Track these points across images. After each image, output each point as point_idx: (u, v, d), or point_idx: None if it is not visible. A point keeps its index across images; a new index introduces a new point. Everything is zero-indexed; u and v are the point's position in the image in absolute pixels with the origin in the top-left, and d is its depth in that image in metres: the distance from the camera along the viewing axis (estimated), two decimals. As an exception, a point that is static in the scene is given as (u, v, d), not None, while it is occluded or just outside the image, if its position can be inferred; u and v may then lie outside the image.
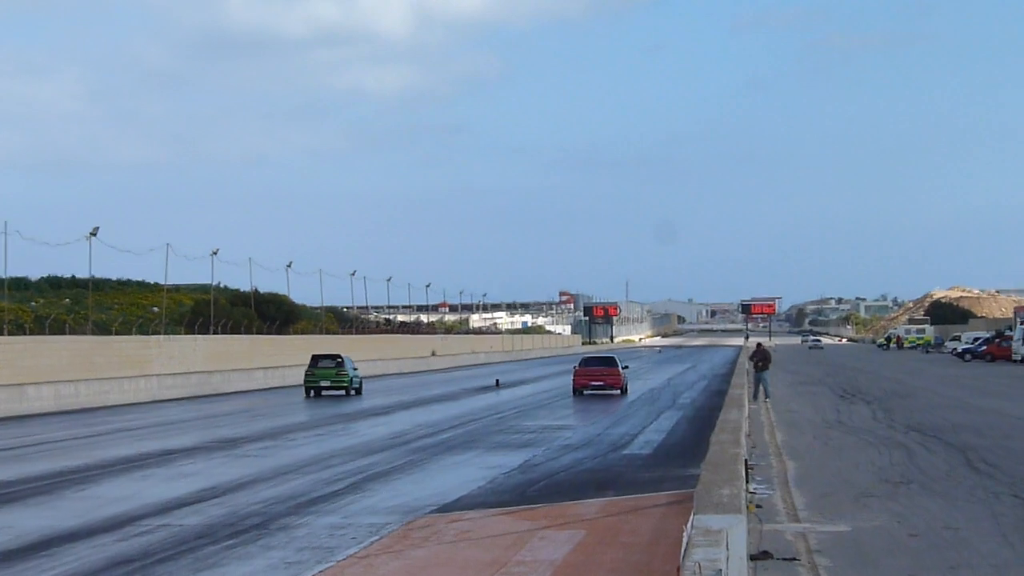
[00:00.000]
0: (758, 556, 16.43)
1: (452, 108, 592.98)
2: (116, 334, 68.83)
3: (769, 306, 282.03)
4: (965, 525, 19.35)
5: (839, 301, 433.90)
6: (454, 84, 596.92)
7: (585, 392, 59.48)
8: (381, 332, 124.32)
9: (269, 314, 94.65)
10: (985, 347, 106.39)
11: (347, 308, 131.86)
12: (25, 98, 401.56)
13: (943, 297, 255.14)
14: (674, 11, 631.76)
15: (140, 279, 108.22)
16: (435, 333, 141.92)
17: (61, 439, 39.22)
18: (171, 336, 72.64)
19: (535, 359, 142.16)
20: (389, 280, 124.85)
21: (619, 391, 59.83)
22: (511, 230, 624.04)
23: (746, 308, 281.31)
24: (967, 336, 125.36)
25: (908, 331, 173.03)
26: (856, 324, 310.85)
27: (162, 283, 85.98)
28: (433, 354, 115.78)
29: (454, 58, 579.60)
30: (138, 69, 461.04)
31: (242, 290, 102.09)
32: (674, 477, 26.26)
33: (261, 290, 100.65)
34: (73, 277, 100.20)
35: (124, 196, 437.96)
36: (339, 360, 63.86)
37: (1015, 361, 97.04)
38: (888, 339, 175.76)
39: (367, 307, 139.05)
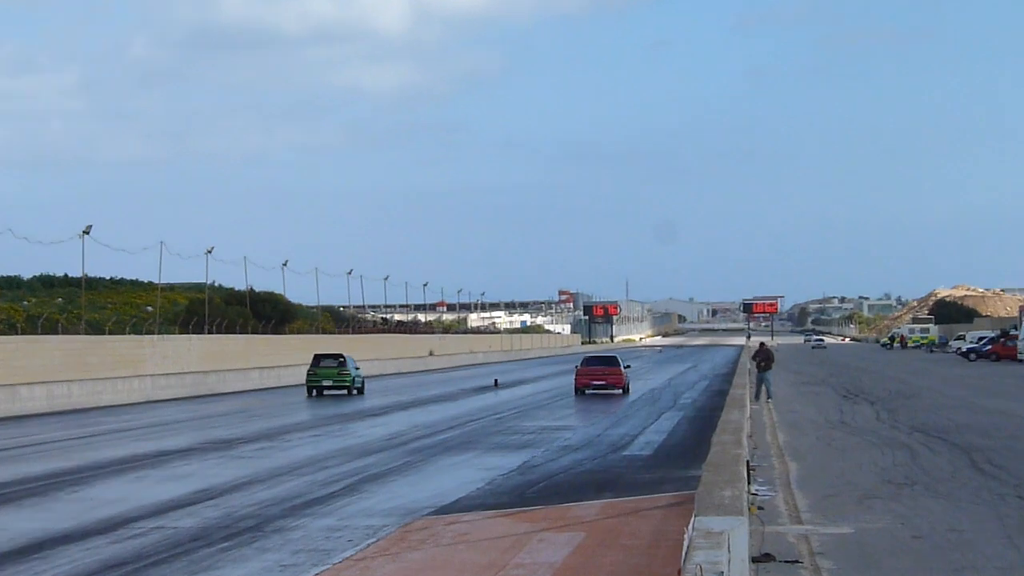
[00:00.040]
0: (760, 558, 16.44)
1: (450, 106, 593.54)
2: (109, 334, 68.83)
3: (771, 305, 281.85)
4: (970, 527, 19.36)
5: (842, 300, 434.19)
6: (452, 81, 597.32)
7: (587, 392, 59.81)
8: (378, 332, 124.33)
9: (264, 313, 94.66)
10: (990, 347, 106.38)
11: (344, 307, 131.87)
12: (17, 94, 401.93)
13: (947, 296, 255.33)
14: (677, 6, 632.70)
15: (134, 278, 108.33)
16: (433, 333, 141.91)
17: (54, 440, 39.21)
18: (165, 336, 72.63)
19: (534, 359, 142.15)
20: (386, 279, 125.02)
21: (621, 390, 60.23)
22: (510, 228, 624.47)
23: (748, 307, 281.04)
24: (972, 335, 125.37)
25: (912, 330, 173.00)
26: (859, 323, 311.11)
27: (156, 282, 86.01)
28: (431, 354, 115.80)
29: (452, 55, 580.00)
30: (132, 65, 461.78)
31: (237, 289, 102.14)
32: (675, 478, 26.26)
33: (256, 289, 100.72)
34: (66, 276, 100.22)
35: (118, 194, 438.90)
36: (341, 360, 64.41)
37: (1020, 361, 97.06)
38: (892, 338, 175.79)
39: (364, 306, 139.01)
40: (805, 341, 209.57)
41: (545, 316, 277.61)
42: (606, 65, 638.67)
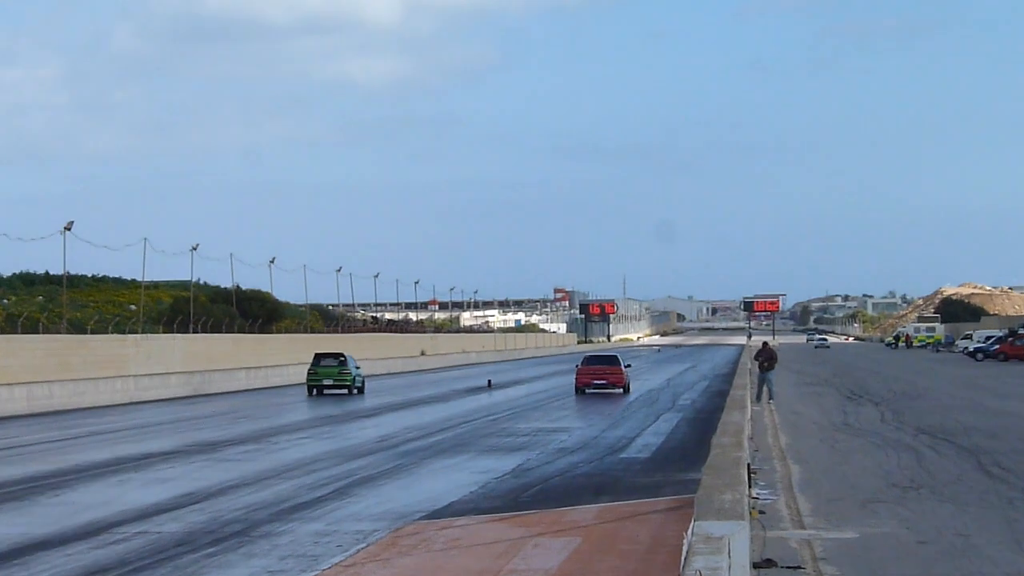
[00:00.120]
0: (761, 564, 16.44)
1: (443, 99, 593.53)
2: (92, 333, 68.79)
3: (773, 303, 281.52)
4: (977, 531, 19.37)
5: (845, 298, 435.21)
6: (445, 74, 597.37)
7: (587, 391, 60.84)
8: (368, 331, 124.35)
9: (251, 312, 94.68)
10: (998, 346, 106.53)
11: (333, 306, 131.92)
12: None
13: (954, 294, 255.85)
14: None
15: (117, 275, 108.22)
16: (424, 332, 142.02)
17: (34, 442, 39.18)
18: (149, 335, 72.62)
19: (529, 359, 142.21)
20: (376, 277, 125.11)
21: (622, 390, 61.42)
22: (504, 224, 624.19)
23: (748, 305, 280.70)
24: (979, 335, 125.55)
25: (917, 329, 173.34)
26: (863, 322, 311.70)
27: (140, 279, 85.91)
28: (422, 354, 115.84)
29: (446, 47, 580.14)
30: (115, 57, 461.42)
31: (223, 287, 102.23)
32: (674, 482, 26.27)
33: (243, 287, 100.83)
34: (47, 273, 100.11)
35: (100, 189, 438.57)
36: (342, 359, 65.71)
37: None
38: (897, 338, 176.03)
39: (353, 305, 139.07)
40: (808, 340, 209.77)
41: (540, 315, 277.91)
42: (603, 57, 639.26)
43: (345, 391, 64.88)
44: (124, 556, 18.85)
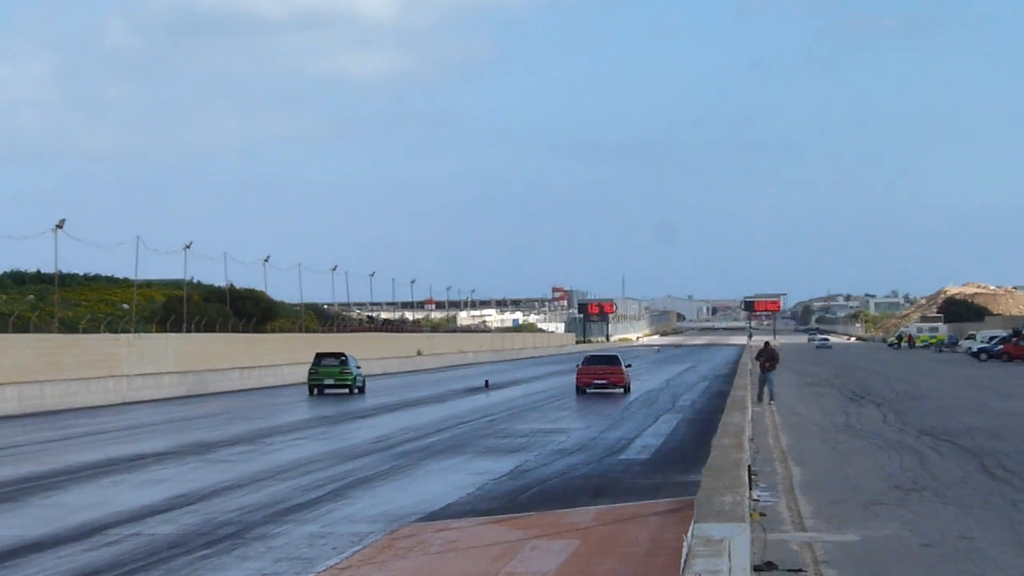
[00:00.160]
0: (762, 567, 16.45)
1: (440, 94, 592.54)
2: (84, 332, 68.81)
3: (774, 303, 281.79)
4: (980, 534, 19.39)
5: (847, 298, 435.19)
6: (442, 69, 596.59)
7: (588, 391, 61.61)
8: (364, 331, 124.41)
9: (245, 311, 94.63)
10: (1002, 346, 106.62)
11: (328, 305, 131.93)
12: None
13: (957, 294, 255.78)
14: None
15: (109, 274, 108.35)
16: (421, 331, 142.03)
17: (26, 443, 39.18)
18: (142, 334, 72.63)
19: (527, 359, 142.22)
20: (372, 276, 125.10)
21: (622, 389, 62.25)
22: (502, 222, 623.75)
23: (749, 305, 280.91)
24: (982, 335, 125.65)
25: (920, 329, 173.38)
26: (865, 322, 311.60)
27: (132, 278, 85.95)
28: (419, 353, 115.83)
29: (443, 42, 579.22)
30: (108, 53, 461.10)
31: (217, 286, 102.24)
32: (673, 483, 26.28)
33: (237, 286, 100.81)
34: (38, 272, 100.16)
35: (92, 186, 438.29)
36: (343, 358, 66.72)
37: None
38: (899, 338, 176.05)
39: (349, 304, 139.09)
40: (809, 340, 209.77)
41: (538, 314, 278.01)
42: (602, 53, 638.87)
43: (346, 391, 65.72)
44: (117, 558, 18.86)
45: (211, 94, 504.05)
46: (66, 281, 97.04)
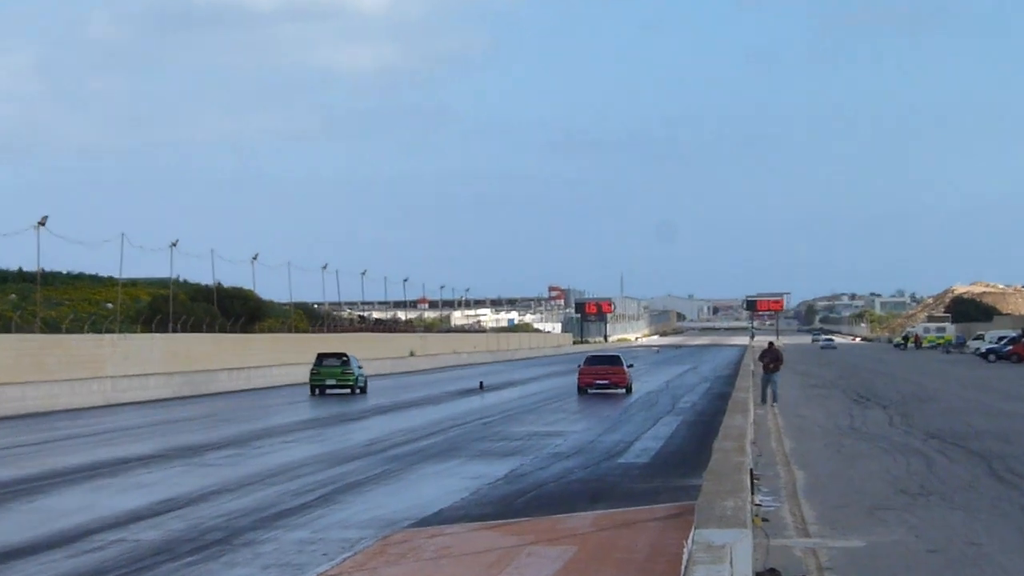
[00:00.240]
0: (764, 574, 16.48)
1: (433, 89, 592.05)
2: (67, 332, 68.83)
3: (776, 302, 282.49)
4: (988, 540, 19.41)
5: (852, 297, 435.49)
6: (436, 63, 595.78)
7: (590, 391, 62.88)
8: (355, 331, 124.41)
9: (233, 311, 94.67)
10: (1011, 347, 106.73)
11: (318, 304, 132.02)
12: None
13: (965, 293, 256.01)
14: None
15: (93, 272, 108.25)
16: (414, 331, 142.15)
17: (7, 446, 39.16)
18: (127, 335, 72.66)
19: (522, 359, 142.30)
20: (363, 274, 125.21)
21: (624, 390, 63.51)
22: (496, 220, 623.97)
23: (751, 305, 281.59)
24: (991, 335, 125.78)
25: (927, 329, 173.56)
26: (871, 322, 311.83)
27: (117, 277, 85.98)
28: (411, 354, 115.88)
29: (436, 35, 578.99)
30: (91, 45, 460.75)
31: (204, 284, 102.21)
32: (673, 488, 26.29)
33: (224, 285, 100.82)
34: (20, 270, 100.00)
35: (76, 182, 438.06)
36: (345, 359, 68.15)
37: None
38: (905, 338, 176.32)
39: (340, 303, 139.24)
40: (813, 341, 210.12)
41: (534, 314, 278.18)
42: (599, 47, 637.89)
43: (348, 391, 66.90)
44: (101, 565, 18.86)
45: (198, 87, 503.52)
46: (48, 280, 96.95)
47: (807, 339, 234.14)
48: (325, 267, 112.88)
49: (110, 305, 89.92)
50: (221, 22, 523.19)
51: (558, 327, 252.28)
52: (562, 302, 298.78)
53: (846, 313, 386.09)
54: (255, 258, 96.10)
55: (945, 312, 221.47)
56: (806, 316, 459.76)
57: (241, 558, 19.31)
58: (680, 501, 22.79)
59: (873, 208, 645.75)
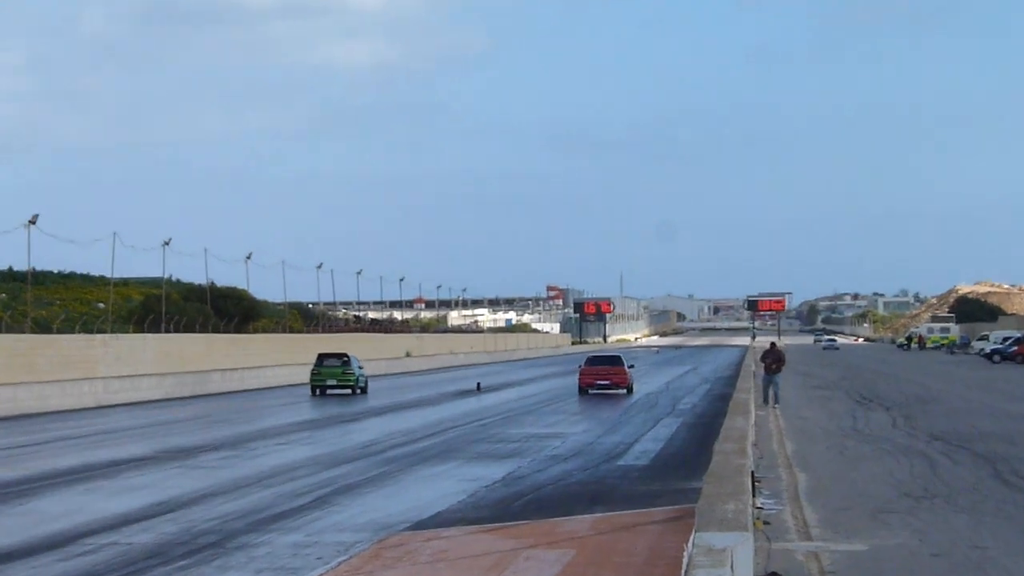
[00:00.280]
0: (766, 578, 16.48)
1: (430, 86, 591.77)
2: (58, 332, 68.79)
3: (778, 302, 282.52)
4: (993, 543, 19.42)
5: (855, 297, 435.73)
6: (433, 59, 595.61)
7: (591, 391, 63.61)
8: (350, 331, 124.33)
9: (227, 310, 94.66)
10: (1016, 347, 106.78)
11: (313, 304, 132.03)
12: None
13: (969, 292, 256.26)
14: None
15: (84, 272, 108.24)
16: (410, 332, 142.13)
17: (-3, 448, 39.15)
18: (119, 335, 72.59)
19: (520, 360, 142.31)
20: (359, 274, 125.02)
21: (625, 390, 64.31)
22: (494, 219, 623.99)
23: (752, 304, 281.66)
24: (996, 335, 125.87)
25: (931, 330, 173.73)
26: (874, 322, 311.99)
27: (109, 276, 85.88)
28: (408, 355, 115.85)
29: (433, 31, 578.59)
30: (83, 42, 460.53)
31: (197, 284, 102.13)
32: (673, 491, 26.29)
33: (218, 284, 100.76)
34: (10, 269, 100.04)
35: (67, 181, 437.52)
36: (345, 359, 68.88)
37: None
38: (909, 339, 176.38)
39: (335, 303, 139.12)
40: (815, 341, 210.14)
41: (532, 314, 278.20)
42: (599, 44, 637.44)
43: (349, 391, 67.54)
44: (93, 568, 18.86)
45: (192, 85, 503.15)
46: (39, 279, 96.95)
47: (809, 339, 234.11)
48: (320, 266, 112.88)
49: (102, 305, 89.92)
50: (215, 19, 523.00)
51: (556, 327, 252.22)
52: (560, 302, 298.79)
53: (849, 313, 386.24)
54: (249, 257, 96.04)
55: (949, 312, 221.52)
56: (808, 316, 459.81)
57: (234, 561, 19.31)
58: (680, 504, 22.79)
59: (876, 207, 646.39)
